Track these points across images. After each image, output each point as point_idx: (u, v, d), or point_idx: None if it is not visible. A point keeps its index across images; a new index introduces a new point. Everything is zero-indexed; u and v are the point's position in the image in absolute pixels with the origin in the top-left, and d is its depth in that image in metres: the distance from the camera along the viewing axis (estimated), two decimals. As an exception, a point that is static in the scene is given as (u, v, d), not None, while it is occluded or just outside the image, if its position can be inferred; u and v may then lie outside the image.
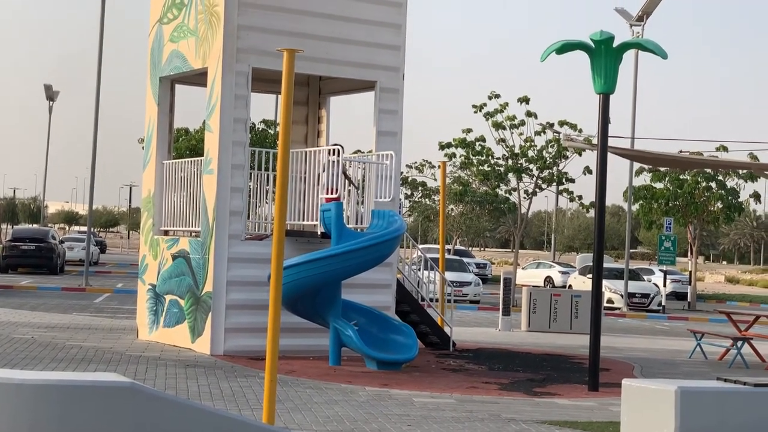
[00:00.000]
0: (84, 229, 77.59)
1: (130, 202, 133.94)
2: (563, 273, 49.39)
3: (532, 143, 36.76)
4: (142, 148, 19.21)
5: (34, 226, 72.58)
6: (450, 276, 28.06)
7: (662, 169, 38.16)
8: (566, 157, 36.94)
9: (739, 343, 18.33)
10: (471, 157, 38.69)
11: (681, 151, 21.91)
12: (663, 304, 37.33)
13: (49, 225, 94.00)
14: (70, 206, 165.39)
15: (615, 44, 13.73)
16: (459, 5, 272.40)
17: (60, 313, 21.91)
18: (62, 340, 16.43)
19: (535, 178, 37.32)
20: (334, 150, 15.53)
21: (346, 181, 15.87)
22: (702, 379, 13.11)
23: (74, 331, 17.95)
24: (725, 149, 34.50)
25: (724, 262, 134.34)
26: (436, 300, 19.70)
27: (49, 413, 7.55)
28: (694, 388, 9.87)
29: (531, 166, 36.96)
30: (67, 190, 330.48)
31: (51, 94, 49.38)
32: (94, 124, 32.09)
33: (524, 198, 38.24)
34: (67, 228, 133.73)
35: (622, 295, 36.12)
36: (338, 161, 15.41)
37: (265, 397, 9.24)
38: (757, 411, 9.92)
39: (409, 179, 52.29)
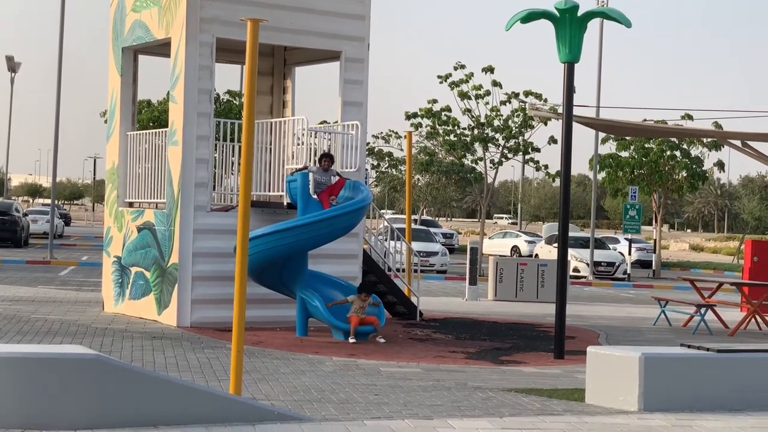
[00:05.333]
0: (48, 201, 76.97)
1: (94, 174, 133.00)
2: (529, 242, 49.63)
3: (498, 113, 36.83)
4: (105, 121, 19.05)
5: (-2, 199, 71.93)
6: (417, 246, 28.11)
7: (627, 137, 38.35)
8: (532, 127, 37.06)
9: (703, 310, 18.51)
10: (437, 127, 38.72)
11: (645, 120, 22.02)
12: (628, 272, 37.63)
13: (13, 198, 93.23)
14: (33, 179, 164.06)
15: (579, 13, 13.73)
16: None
17: (25, 286, 21.76)
18: (27, 314, 16.33)
19: (501, 148, 37.41)
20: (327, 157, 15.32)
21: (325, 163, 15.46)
22: (666, 346, 13.25)
23: (39, 304, 17.84)
24: (690, 118, 34.72)
25: (689, 230, 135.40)
26: (403, 270, 19.74)
27: (15, 386, 7.51)
28: (658, 355, 9.97)
29: (497, 135, 37.04)
30: (31, 162, 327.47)
31: (13, 66, 48.73)
32: (56, 95, 31.78)
33: (490, 167, 38.36)
34: (30, 201, 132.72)
35: (587, 264, 36.36)
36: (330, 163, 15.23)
37: (232, 368, 9.24)
38: (719, 376, 10.05)
39: (376, 150, 52.25)
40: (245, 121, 9.61)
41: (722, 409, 9.79)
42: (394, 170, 54.31)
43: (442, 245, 40.03)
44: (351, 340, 14.48)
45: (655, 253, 42.05)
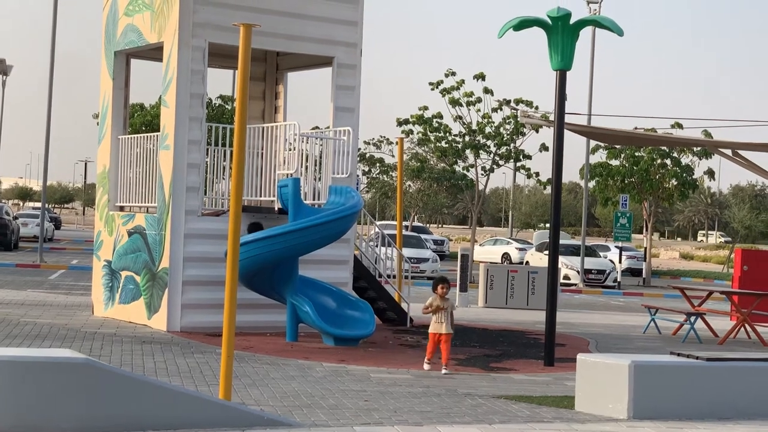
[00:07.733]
0: (38, 205, 76.86)
1: (85, 178, 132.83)
2: (520, 249, 49.68)
3: (490, 120, 36.89)
4: (97, 123, 19.04)
5: (-12, 202, 71.76)
6: (407, 252, 28.12)
7: (618, 146, 38.46)
8: (523, 134, 37.13)
9: (693, 319, 18.55)
10: (428, 133, 38.75)
11: (636, 128, 22.07)
12: (618, 280, 37.67)
13: (3, 201, 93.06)
14: (24, 182, 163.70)
15: (572, 21, 13.77)
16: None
17: (14, 289, 21.70)
18: (17, 317, 16.29)
19: (492, 155, 37.46)
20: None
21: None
22: (656, 354, 13.27)
23: (29, 308, 17.80)
24: (680, 126, 34.85)
25: (679, 239, 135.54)
26: (394, 276, 19.75)
27: (3, 389, 7.49)
28: (647, 363, 9.99)
29: (488, 142, 37.10)
30: (21, 165, 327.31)
31: (4, 69, 48.59)
32: (48, 98, 31.73)
33: (482, 174, 38.41)
34: (21, 204, 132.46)
35: (578, 272, 36.39)
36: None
37: (221, 373, 9.22)
38: (709, 385, 10.06)
39: (367, 155, 52.30)
40: (237, 125, 9.60)
41: (711, 418, 9.80)
42: (385, 176, 54.36)
43: (433, 252, 40.06)
44: (426, 367, 12.71)
45: (645, 261, 42.13)
